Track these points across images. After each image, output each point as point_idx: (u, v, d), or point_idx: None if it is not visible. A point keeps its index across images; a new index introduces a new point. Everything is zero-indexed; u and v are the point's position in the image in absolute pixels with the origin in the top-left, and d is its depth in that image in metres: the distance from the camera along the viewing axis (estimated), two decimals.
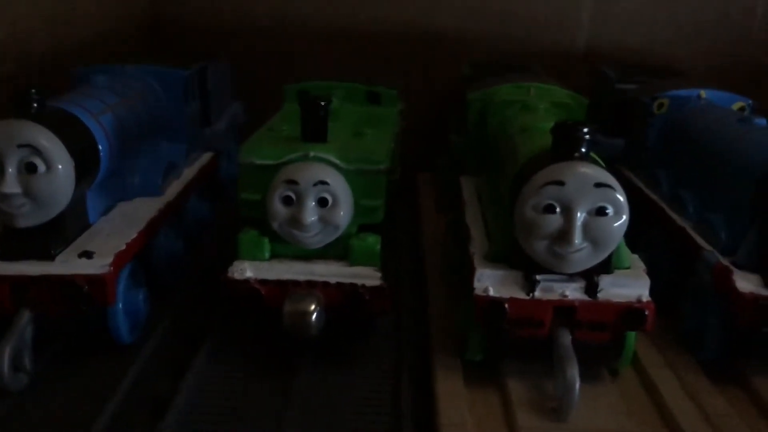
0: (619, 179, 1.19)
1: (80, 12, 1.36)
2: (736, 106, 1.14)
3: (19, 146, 0.79)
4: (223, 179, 1.32)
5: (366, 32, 1.60)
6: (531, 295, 0.79)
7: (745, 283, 0.83)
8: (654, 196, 1.08)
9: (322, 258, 0.87)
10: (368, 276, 0.85)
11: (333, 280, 0.85)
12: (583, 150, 0.78)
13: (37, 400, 0.81)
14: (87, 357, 0.88)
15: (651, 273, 1.04)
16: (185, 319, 0.99)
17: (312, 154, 0.84)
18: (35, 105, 0.81)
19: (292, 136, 0.89)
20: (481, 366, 0.86)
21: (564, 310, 0.79)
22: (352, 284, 0.84)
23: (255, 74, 1.53)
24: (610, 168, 1.24)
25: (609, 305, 0.79)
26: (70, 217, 0.86)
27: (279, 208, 0.83)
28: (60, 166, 0.80)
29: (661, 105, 1.13)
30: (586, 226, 0.76)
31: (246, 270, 0.85)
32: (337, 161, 0.84)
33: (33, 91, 0.81)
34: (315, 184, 0.82)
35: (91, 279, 0.81)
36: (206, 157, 1.25)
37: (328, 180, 0.82)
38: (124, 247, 0.86)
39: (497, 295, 0.79)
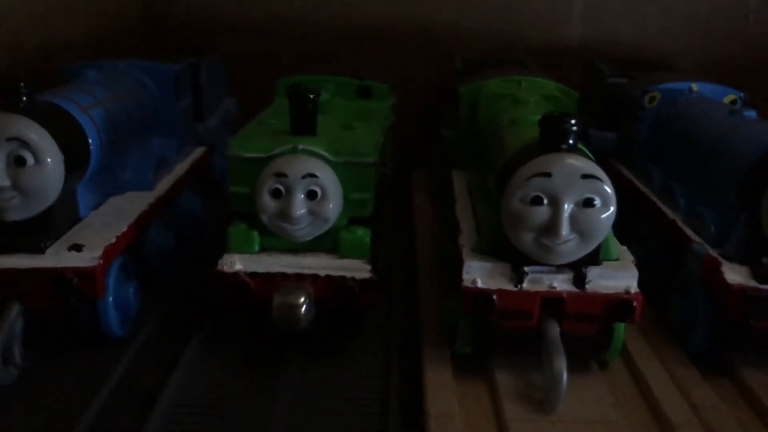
0: (611, 172, 1.21)
1: (72, 8, 1.36)
2: (727, 99, 1.14)
3: (8, 139, 0.79)
4: (216, 174, 1.33)
5: (360, 27, 1.60)
6: (519, 286, 0.79)
7: (734, 275, 0.83)
8: (645, 189, 1.08)
9: (311, 251, 0.87)
10: (358, 269, 0.85)
11: (322, 273, 0.85)
12: (571, 142, 0.78)
13: (26, 393, 0.81)
14: (77, 350, 0.88)
15: (643, 266, 1.04)
16: (176, 312, 0.99)
17: (301, 147, 0.84)
18: (24, 99, 0.81)
19: (282, 129, 0.89)
20: (470, 358, 0.86)
21: (552, 301, 0.79)
22: (341, 277, 0.84)
23: (249, 70, 1.53)
24: (602, 161, 1.25)
25: (597, 297, 0.79)
26: (60, 210, 0.86)
27: (268, 201, 0.83)
28: (49, 160, 0.81)
29: (652, 98, 1.13)
30: (573, 217, 0.76)
31: (235, 263, 0.85)
32: (326, 154, 0.84)
33: (22, 85, 0.81)
34: (304, 177, 0.82)
35: (80, 272, 0.81)
36: (198, 152, 1.25)
37: (316, 173, 0.82)
38: (113, 240, 0.86)
39: (485, 286, 0.79)
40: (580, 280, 0.79)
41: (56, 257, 0.82)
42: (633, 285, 0.79)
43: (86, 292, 0.82)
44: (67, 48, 1.31)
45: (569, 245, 0.77)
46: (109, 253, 0.84)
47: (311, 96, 0.86)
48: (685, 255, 0.90)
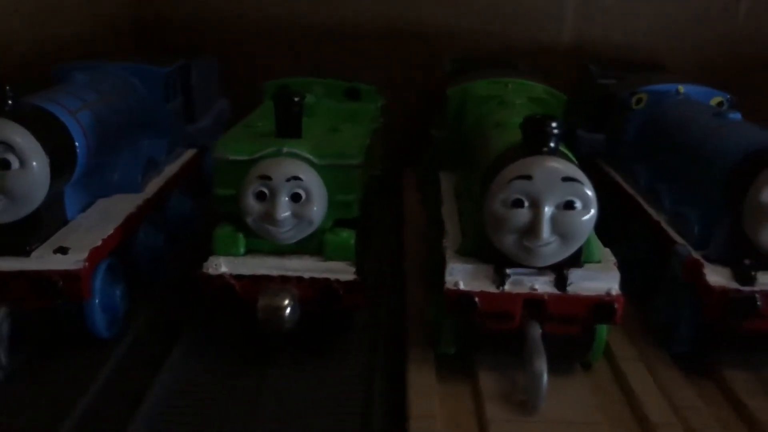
0: (599, 173, 1.22)
1: (64, 9, 1.36)
2: (714, 100, 1.15)
3: None
4: (208, 175, 1.33)
5: (352, 29, 1.61)
6: (501, 288, 0.80)
7: (716, 276, 0.83)
8: (632, 191, 1.09)
9: (297, 253, 0.87)
10: (342, 271, 0.86)
11: (307, 275, 0.85)
12: (552, 145, 0.78)
13: (11, 395, 0.81)
14: (64, 352, 0.89)
15: (630, 267, 1.05)
16: (165, 313, 1.00)
17: (285, 149, 0.84)
18: (10, 102, 0.82)
19: (268, 132, 0.89)
20: (454, 359, 0.86)
21: (534, 303, 0.80)
22: (325, 279, 0.85)
23: (244, 71, 1.54)
24: (590, 162, 1.26)
25: (578, 299, 0.79)
26: (47, 213, 0.86)
27: (252, 204, 0.83)
28: (34, 163, 0.81)
29: (639, 100, 1.14)
30: (554, 220, 0.76)
31: (221, 265, 0.86)
32: (311, 157, 0.85)
33: (7, 88, 0.82)
34: (288, 180, 0.82)
35: (65, 274, 0.82)
36: (189, 153, 1.25)
37: (301, 175, 0.83)
38: (99, 242, 0.87)
39: (467, 288, 0.80)
40: (561, 282, 0.80)
41: (42, 260, 0.83)
42: (614, 287, 0.80)
43: (71, 294, 0.83)
44: (60, 49, 1.32)
45: (550, 247, 0.77)
46: (94, 256, 0.85)
47: (296, 99, 0.87)
48: (668, 256, 0.90)
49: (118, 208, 0.98)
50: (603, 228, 1.15)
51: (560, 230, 0.77)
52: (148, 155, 1.10)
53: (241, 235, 0.86)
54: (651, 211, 1.01)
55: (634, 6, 1.58)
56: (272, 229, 0.84)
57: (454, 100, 1.13)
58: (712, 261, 0.85)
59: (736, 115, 0.99)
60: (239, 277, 0.85)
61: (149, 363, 0.87)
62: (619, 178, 1.14)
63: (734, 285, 0.82)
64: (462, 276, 0.81)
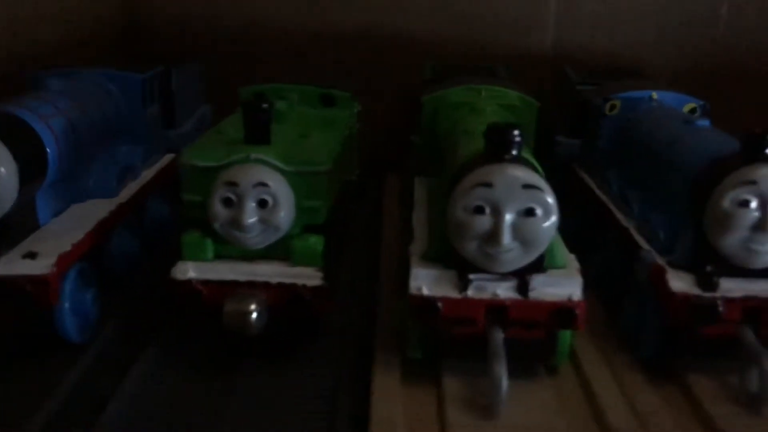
0: (575, 180, 1.23)
1: (48, 16, 1.37)
2: (687, 107, 1.15)
3: None
4: None
5: (335, 34, 1.62)
6: (464, 294, 0.81)
7: (679, 282, 0.84)
8: (604, 197, 1.09)
9: (265, 259, 0.88)
10: (309, 276, 0.86)
11: (274, 281, 0.86)
12: (514, 152, 0.79)
13: None
14: (33, 357, 0.89)
15: (602, 273, 1.06)
16: (138, 318, 1.00)
17: (253, 156, 0.85)
18: None
19: (237, 138, 0.90)
20: (421, 363, 0.87)
21: (496, 308, 0.80)
22: (293, 284, 0.86)
23: (228, 78, 1.54)
24: (567, 168, 1.26)
25: (540, 304, 0.80)
26: (16, 219, 0.87)
27: (219, 210, 0.84)
28: (2, 170, 0.82)
29: (612, 106, 1.15)
30: (515, 226, 0.77)
31: (188, 270, 0.87)
32: (278, 163, 0.85)
33: None
34: (255, 186, 0.83)
35: (33, 280, 0.83)
36: (167, 159, 1.26)
37: (268, 181, 0.84)
38: (69, 248, 0.88)
39: (430, 293, 0.81)
40: (523, 288, 0.80)
41: (10, 265, 0.84)
42: (576, 293, 0.80)
43: (40, 299, 0.84)
44: (42, 56, 1.33)
45: (512, 254, 0.78)
46: (63, 261, 0.86)
47: (264, 106, 0.87)
48: (634, 262, 0.91)
49: (91, 213, 0.99)
50: (577, 234, 1.17)
51: (521, 237, 0.77)
52: (124, 161, 1.10)
53: (209, 241, 0.87)
54: (620, 217, 1.01)
55: (616, 13, 1.59)
56: (239, 235, 0.85)
57: (428, 107, 1.14)
58: (676, 267, 0.86)
59: (705, 122, 0.99)
60: (206, 283, 0.86)
61: (118, 367, 0.88)
62: (592, 184, 1.15)
63: (696, 291, 0.83)
64: (426, 281, 0.82)
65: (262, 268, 0.87)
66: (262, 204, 0.84)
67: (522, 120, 1.10)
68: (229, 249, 0.87)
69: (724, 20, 1.59)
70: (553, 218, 0.78)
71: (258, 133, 0.88)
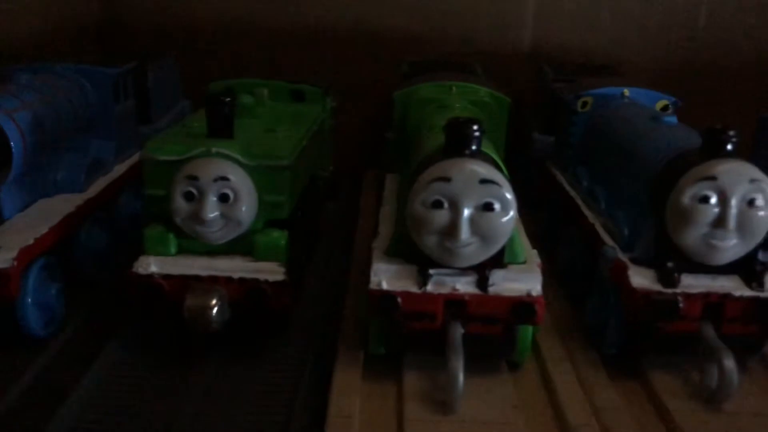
0: (548, 176, 1.23)
1: (21, 11, 1.37)
2: (660, 104, 1.15)
3: None
4: None
5: (314, 31, 1.61)
6: (423, 288, 0.80)
7: (640, 278, 0.84)
8: (573, 193, 1.09)
9: (228, 253, 0.88)
10: (271, 271, 0.86)
11: (236, 275, 0.86)
12: (474, 147, 0.79)
13: None
14: None
15: (570, 269, 1.06)
16: (104, 312, 1.00)
17: (214, 150, 0.85)
18: None
19: (201, 132, 0.90)
20: (383, 359, 0.87)
21: (455, 303, 0.80)
22: (254, 279, 0.86)
23: (207, 73, 1.54)
24: (541, 165, 1.26)
25: (499, 299, 0.80)
26: None
27: (181, 204, 0.84)
28: None
29: (584, 103, 1.15)
30: (473, 221, 0.77)
31: (150, 265, 0.87)
32: (239, 157, 0.85)
33: None
34: (216, 180, 0.83)
35: None
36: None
37: (229, 176, 0.84)
38: (31, 242, 0.87)
39: (390, 288, 0.80)
40: (482, 283, 0.80)
41: None
42: (536, 288, 0.80)
43: (1, 293, 0.83)
44: (19, 51, 1.32)
45: (470, 248, 0.78)
46: (24, 255, 0.86)
47: (226, 100, 0.87)
48: (598, 258, 0.91)
49: (57, 207, 0.98)
50: (549, 229, 1.17)
51: (480, 231, 0.77)
52: (93, 156, 1.10)
53: (171, 235, 0.87)
54: (587, 212, 1.01)
55: (595, 11, 1.59)
56: (201, 230, 0.85)
57: (399, 103, 1.14)
58: (638, 263, 0.86)
59: (672, 119, 0.99)
60: (168, 277, 0.86)
61: (80, 361, 0.87)
62: (563, 180, 1.15)
63: (657, 287, 0.83)
64: (386, 276, 0.82)
65: (224, 262, 0.87)
66: (223, 198, 0.84)
67: (493, 116, 1.10)
68: (192, 243, 0.87)
69: (703, 18, 1.58)
70: (512, 213, 0.78)
71: (220, 127, 0.88)
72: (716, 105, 1.49)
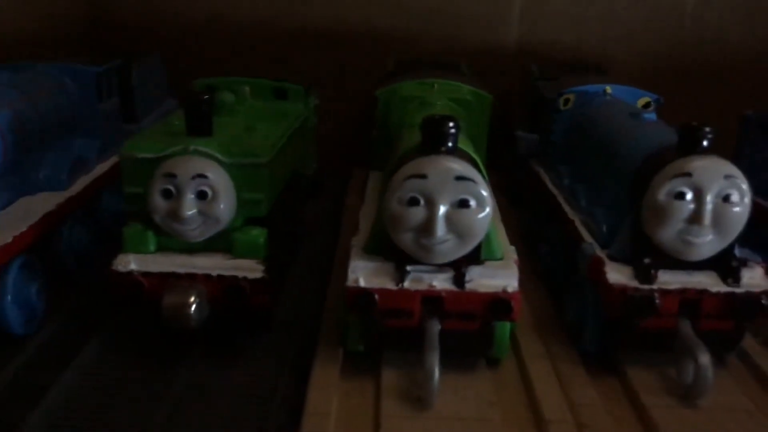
0: (531, 174, 1.23)
1: (6, 9, 1.36)
2: (642, 101, 1.16)
3: None
4: None
5: (301, 29, 1.62)
6: (400, 285, 0.81)
7: (616, 274, 0.84)
8: (555, 191, 1.09)
9: (208, 251, 0.88)
10: (250, 268, 0.86)
11: (214, 273, 0.86)
12: (450, 144, 0.79)
13: None
14: None
15: (551, 266, 1.06)
16: (86, 310, 1.00)
17: (192, 147, 0.85)
18: None
19: (180, 130, 0.90)
20: (362, 356, 0.87)
21: (432, 300, 0.81)
22: (233, 277, 0.86)
23: (192, 72, 1.54)
24: (525, 163, 1.27)
25: (475, 295, 0.80)
26: None
27: (159, 202, 0.84)
28: None
29: (566, 100, 1.15)
30: (449, 218, 0.77)
31: (130, 263, 0.87)
32: (217, 154, 0.85)
33: None
34: (193, 177, 0.83)
35: None
36: None
37: (207, 173, 0.84)
38: (10, 240, 0.87)
39: (367, 285, 0.81)
40: (459, 279, 0.80)
41: None
42: (512, 284, 0.81)
43: None
44: (4, 49, 1.32)
45: (447, 245, 0.78)
46: (3, 253, 0.86)
47: (204, 97, 0.87)
48: (576, 255, 0.91)
49: (38, 206, 0.98)
50: (533, 227, 1.18)
51: (456, 228, 0.78)
52: (76, 154, 1.10)
53: (150, 233, 0.87)
54: (568, 210, 1.01)
55: (581, 9, 1.60)
56: (179, 227, 0.85)
57: (382, 101, 1.14)
58: (616, 260, 0.86)
59: (651, 116, 1.00)
60: (147, 275, 0.86)
61: (60, 359, 0.87)
62: (545, 178, 1.15)
63: (634, 283, 0.83)
64: (363, 273, 0.82)
65: (203, 260, 0.87)
66: (201, 196, 0.84)
67: (475, 114, 1.11)
68: (171, 241, 0.87)
69: (689, 16, 1.59)
70: (487, 210, 0.78)
71: (199, 125, 0.88)
72: (702, 103, 1.50)
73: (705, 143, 0.82)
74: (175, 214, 0.84)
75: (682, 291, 0.83)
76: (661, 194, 0.81)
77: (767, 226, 1.07)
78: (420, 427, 0.76)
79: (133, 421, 0.78)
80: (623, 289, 0.83)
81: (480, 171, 0.80)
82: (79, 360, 0.87)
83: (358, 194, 1.43)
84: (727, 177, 0.80)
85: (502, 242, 0.86)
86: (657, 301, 0.82)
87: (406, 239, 0.79)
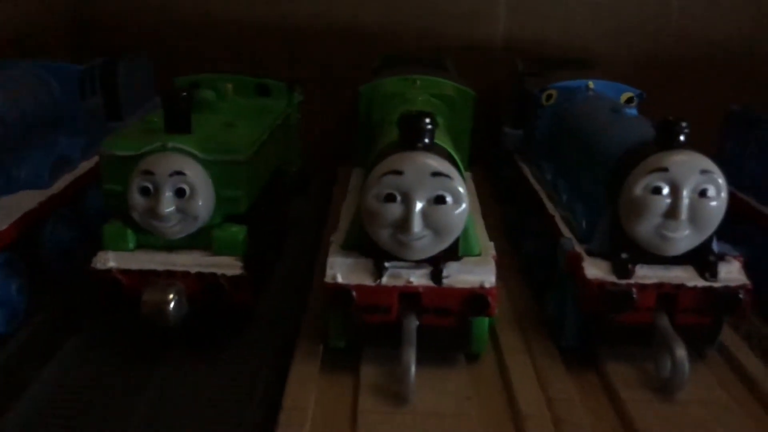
0: (515, 170, 1.23)
1: None
2: (624, 96, 1.16)
3: None
4: None
5: (291, 26, 1.62)
6: (378, 281, 0.81)
7: (594, 269, 0.84)
8: (537, 186, 1.10)
9: (187, 248, 0.88)
10: (229, 265, 0.86)
11: (193, 270, 0.86)
12: (426, 140, 0.79)
13: None
14: None
15: (532, 261, 1.07)
16: (68, 309, 1.00)
17: (170, 145, 0.85)
18: None
19: (159, 128, 0.90)
20: (343, 352, 0.87)
21: (409, 296, 0.81)
22: (212, 274, 0.86)
23: (178, 69, 1.54)
24: (508, 158, 1.27)
25: (452, 291, 0.80)
26: None
27: (137, 199, 0.84)
28: None
29: (549, 96, 1.15)
30: (425, 214, 0.77)
31: (109, 260, 0.87)
32: (195, 151, 0.85)
33: None
34: (171, 175, 0.83)
35: None
36: None
37: (185, 170, 0.84)
38: None
39: (345, 281, 0.81)
40: (437, 275, 0.81)
41: None
42: (489, 279, 0.81)
43: None
44: None
45: (424, 241, 0.78)
46: None
47: (183, 94, 0.87)
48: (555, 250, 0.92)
49: (19, 204, 0.98)
50: (516, 222, 1.18)
51: (432, 224, 0.78)
52: (59, 152, 1.10)
53: (130, 231, 0.87)
54: (549, 205, 1.02)
55: (568, 3, 1.60)
56: (158, 225, 0.85)
57: (365, 97, 1.14)
58: (594, 255, 0.86)
59: (632, 111, 1.00)
60: (126, 272, 0.86)
61: (40, 357, 0.88)
62: (528, 174, 1.15)
63: (611, 278, 0.84)
64: (341, 269, 0.82)
65: (182, 257, 0.87)
66: (179, 193, 0.84)
67: (457, 110, 1.11)
68: (151, 239, 0.88)
69: (676, 11, 1.59)
70: (464, 206, 0.78)
71: (178, 122, 0.88)
72: (689, 97, 1.50)
73: (682, 138, 0.82)
74: (153, 212, 0.84)
75: (660, 285, 0.83)
76: (638, 189, 0.81)
77: (750, 220, 1.07)
78: (397, 423, 0.76)
79: (113, 418, 0.79)
80: (601, 284, 0.83)
81: (457, 167, 0.80)
82: (60, 358, 0.87)
83: (343, 191, 1.43)
84: (704, 172, 0.80)
85: (480, 238, 0.86)
86: (634, 295, 0.82)
87: (383, 235, 0.79)
